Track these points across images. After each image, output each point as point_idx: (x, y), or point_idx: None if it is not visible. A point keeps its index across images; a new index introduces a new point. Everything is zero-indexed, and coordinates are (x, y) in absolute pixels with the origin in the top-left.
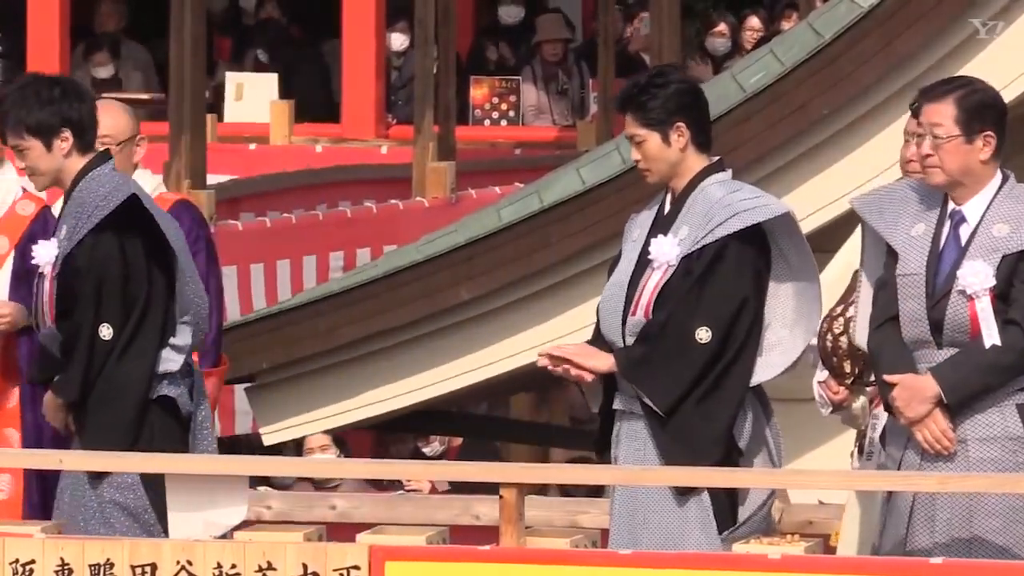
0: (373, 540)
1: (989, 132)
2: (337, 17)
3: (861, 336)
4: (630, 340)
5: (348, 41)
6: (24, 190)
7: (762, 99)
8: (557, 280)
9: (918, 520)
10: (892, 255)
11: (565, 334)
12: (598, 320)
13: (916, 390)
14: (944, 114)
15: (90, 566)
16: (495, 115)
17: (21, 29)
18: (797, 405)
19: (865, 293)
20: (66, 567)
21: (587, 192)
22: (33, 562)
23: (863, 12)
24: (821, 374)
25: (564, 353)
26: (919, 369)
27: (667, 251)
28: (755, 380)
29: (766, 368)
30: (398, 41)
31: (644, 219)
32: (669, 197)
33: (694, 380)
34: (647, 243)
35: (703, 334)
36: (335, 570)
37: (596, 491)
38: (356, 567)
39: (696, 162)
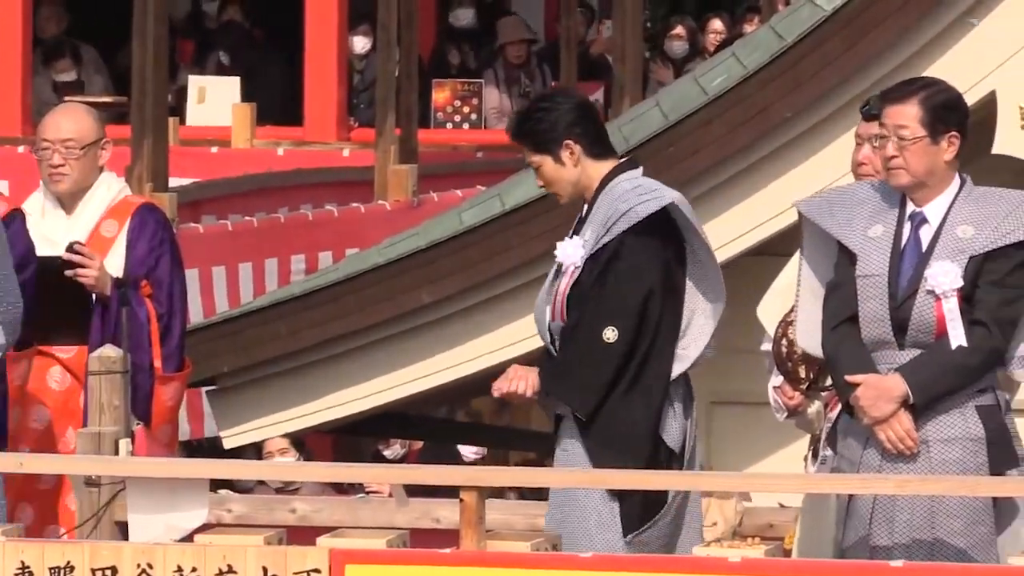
0: (333, 543)
1: (954, 133)
2: (299, 20)
3: (803, 339)
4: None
5: (310, 44)
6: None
7: (724, 102)
8: (519, 283)
9: (878, 521)
10: (846, 256)
11: (527, 337)
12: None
13: (883, 390)
14: (909, 115)
15: (50, 569)
16: (457, 118)
17: None
18: (754, 409)
19: (806, 296)
20: (26, 570)
21: (549, 195)
22: None
23: (826, 15)
24: (776, 380)
25: (504, 379)
26: (880, 370)
27: (571, 253)
28: (673, 373)
29: (681, 361)
30: (360, 44)
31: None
32: (586, 207)
33: (610, 382)
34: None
35: (610, 334)
36: (295, 573)
37: None
38: (316, 570)
39: (598, 170)
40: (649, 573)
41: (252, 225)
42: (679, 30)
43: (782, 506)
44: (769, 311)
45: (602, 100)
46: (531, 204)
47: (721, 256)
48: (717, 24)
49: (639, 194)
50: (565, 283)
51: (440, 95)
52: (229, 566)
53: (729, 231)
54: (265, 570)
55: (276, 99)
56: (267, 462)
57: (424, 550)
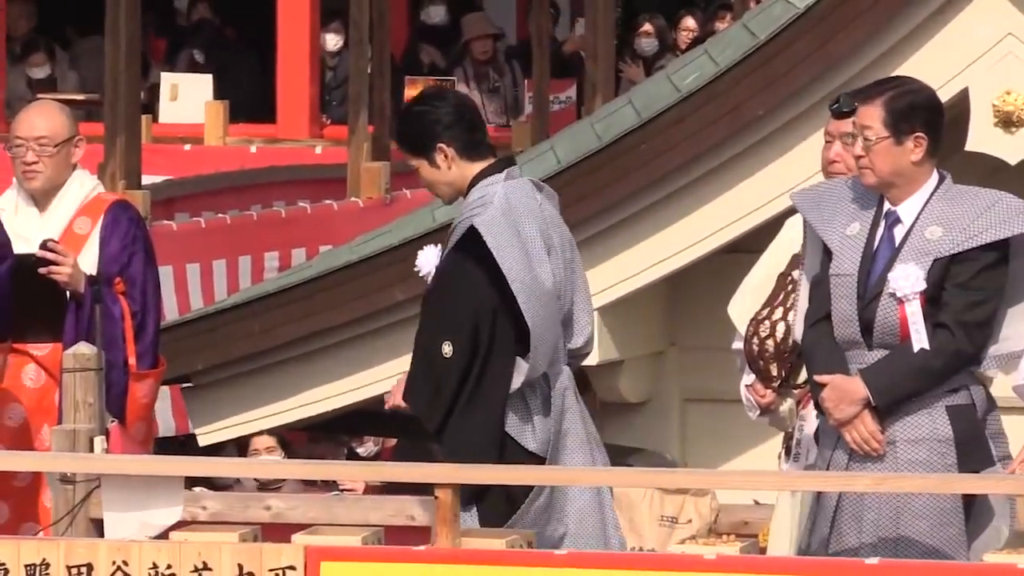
0: (308, 540)
1: (920, 133)
2: (272, 17)
3: (800, 332)
4: None
5: (282, 41)
6: None
7: (697, 99)
8: None
9: (844, 520)
10: (827, 253)
11: None
12: None
13: (845, 391)
14: (873, 116)
15: (26, 566)
16: None
17: None
18: (726, 406)
19: (804, 289)
20: (2, 567)
21: None
22: None
23: (798, 12)
24: (748, 378)
25: (394, 391)
26: (850, 369)
27: (427, 262)
28: (515, 383)
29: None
30: (332, 41)
31: None
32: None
33: (453, 395)
34: None
35: (446, 348)
36: (271, 570)
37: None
38: (292, 567)
39: (472, 171)
40: (624, 570)
41: (225, 222)
42: (647, 27)
43: (757, 503)
44: (739, 310)
45: (575, 98)
46: None
47: (694, 254)
48: (689, 22)
49: (474, 207)
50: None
51: (412, 92)
52: (204, 563)
53: (702, 228)
54: (240, 567)
55: (248, 96)
56: (242, 459)
57: (399, 547)
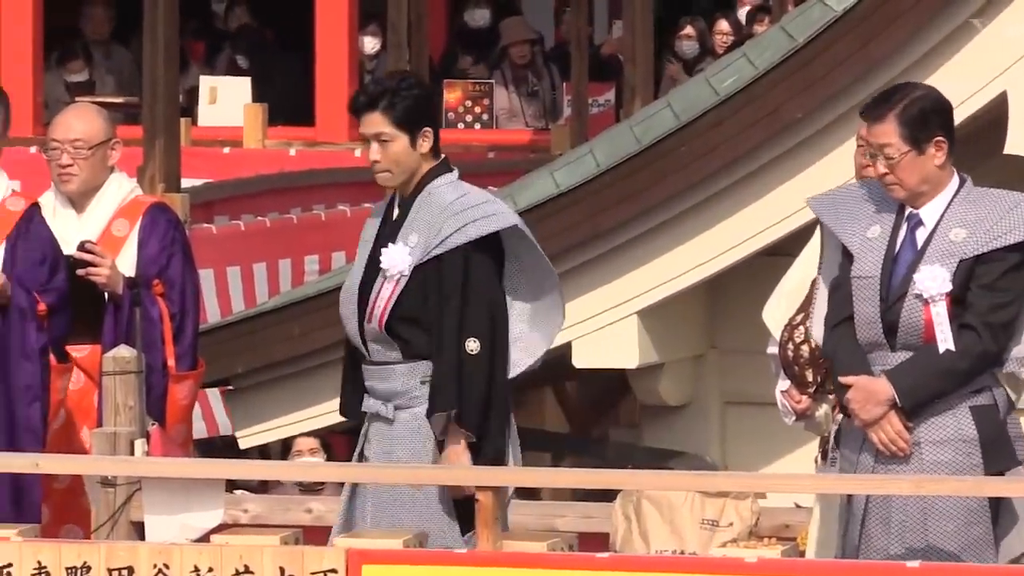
0: (350, 543)
1: (939, 137)
2: (310, 20)
3: (819, 335)
4: (373, 347)
5: (321, 44)
6: (13, 190)
7: (735, 102)
8: None
9: (873, 522)
10: (848, 256)
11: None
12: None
13: (871, 392)
14: (889, 133)
15: (67, 569)
16: (468, 118)
17: None
18: (766, 409)
19: (821, 293)
20: (43, 570)
21: (561, 195)
22: (10, 565)
23: (837, 15)
24: (783, 384)
25: None
26: (873, 371)
27: (398, 261)
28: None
29: (512, 366)
30: (370, 44)
31: (374, 219)
32: (397, 199)
33: (485, 392)
34: (376, 248)
35: (472, 344)
36: (312, 573)
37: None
38: (333, 570)
39: (426, 167)
40: (666, 573)
41: (265, 225)
42: (688, 30)
43: (798, 506)
44: (774, 314)
45: (613, 100)
46: (543, 204)
47: (733, 257)
48: (724, 25)
49: (472, 205)
50: (391, 290)
51: (451, 95)
52: (246, 566)
53: (740, 232)
54: (282, 570)
55: (288, 99)
56: (281, 462)
57: (440, 550)
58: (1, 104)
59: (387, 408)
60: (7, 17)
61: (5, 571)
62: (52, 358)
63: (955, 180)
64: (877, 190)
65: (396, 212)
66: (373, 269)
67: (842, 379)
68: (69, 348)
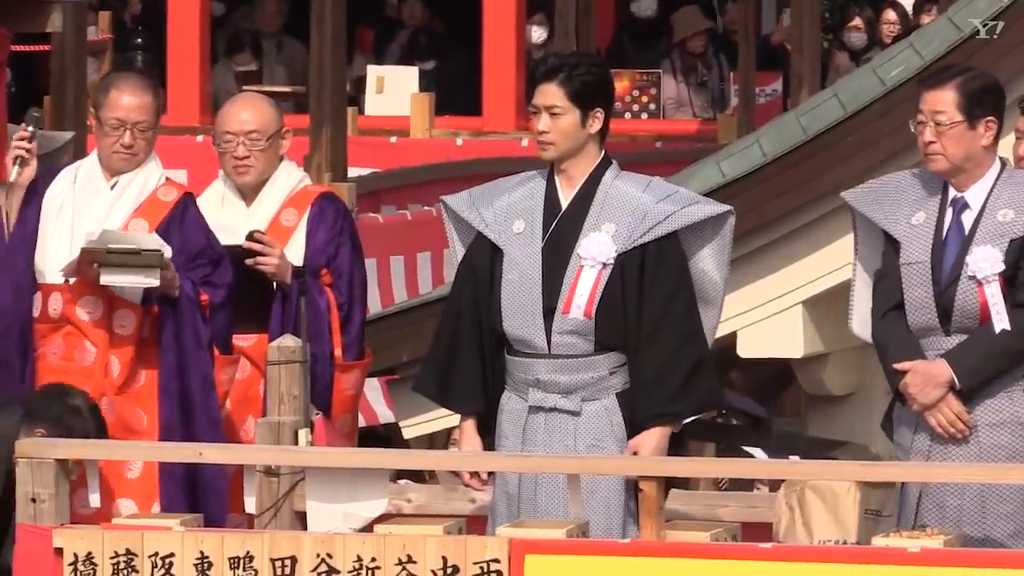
0: (513, 533)
1: (991, 118)
2: (478, 10)
3: (858, 327)
4: (557, 339)
5: (488, 34)
6: (167, 179)
7: (901, 93)
8: None
9: (927, 507)
10: (892, 245)
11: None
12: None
13: (929, 375)
14: (946, 101)
15: (229, 559)
16: (635, 108)
17: (162, 22)
18: None
19: (860, 285)
20: (205, 560)
21: (727, 185)
22: (172, 555)
23: (1004, 6)
24: None
25: None
26: (927, 356)
27: (604, 250)
28: None
29: None
30: (537, 34)
31: (520, 208)
32: (560, 185)
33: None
34: (553, 236)
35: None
36: (475, 563)
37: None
38: (496, 560)
39: (595, 152)
40: (829, 563)
41: (431, 215)
42: (856, 21)
43: None
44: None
45: (780, 90)
46: (709, 194)
47: None
48: (891, 15)
49: (672, 193)
50: (594, 278)
51: (618, 85)
52: (409, 556)
53: None
54: (445, 560)
55: (455, 89)
56: (444, 452)
57: (603, 540)
58: (155, 94)
59: (570, 401)
60: (174, 6)
61: (168, 561)
62: (216, 351)
63: (997, 163)
64: (915, 179)
65: (567, 199)
66: (555, 259)
67: (897, 365)
68: (236, 337)
